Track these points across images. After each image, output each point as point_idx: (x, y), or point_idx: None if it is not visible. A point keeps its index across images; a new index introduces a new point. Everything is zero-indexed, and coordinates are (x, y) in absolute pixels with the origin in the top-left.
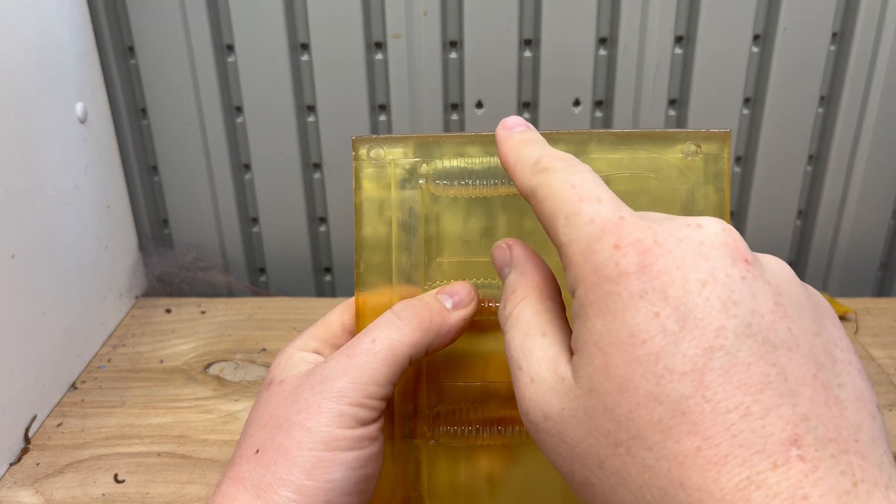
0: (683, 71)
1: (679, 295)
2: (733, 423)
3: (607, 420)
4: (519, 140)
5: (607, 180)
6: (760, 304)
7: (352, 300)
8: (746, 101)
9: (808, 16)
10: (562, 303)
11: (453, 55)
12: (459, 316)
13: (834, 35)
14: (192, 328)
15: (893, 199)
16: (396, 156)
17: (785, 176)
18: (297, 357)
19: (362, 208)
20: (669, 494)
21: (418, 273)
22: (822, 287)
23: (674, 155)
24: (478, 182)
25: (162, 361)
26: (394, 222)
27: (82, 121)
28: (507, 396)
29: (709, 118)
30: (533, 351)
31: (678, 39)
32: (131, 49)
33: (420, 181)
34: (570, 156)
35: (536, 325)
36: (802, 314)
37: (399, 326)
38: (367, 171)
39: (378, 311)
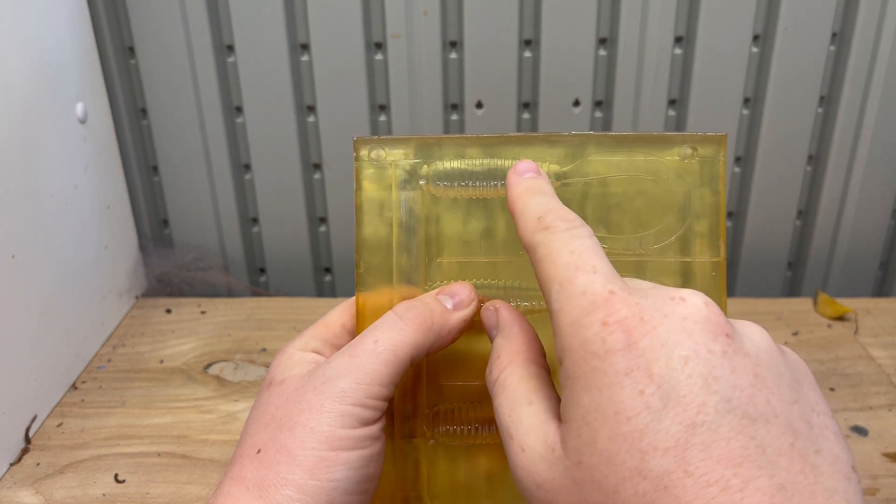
0: (683, 71)
1: (663, 372)
2: (713, 497)
3: (595, 492)
4: (526, 188)
5: (606, 182)
6: (740, 378)
7: (352, 300)
8: (746, 101)
9: (808, 16)
10: (547, 367)
11: (453, 55)
12: (460, 317)
13: (834, 35)
14: (192, 328)
15: (893, 199)
16: (397, 157)
17: (785, 176)
18: (298, 357)
19: (363, 209)
20: None
21: (418, 274)
22: (823, 287)
23: (670, 158)
24: (478, 183)
25: (162, 361)
26: (394, 223)
27: (82, 121)
28: None
29: (708, 118)
30: (521, 420)
31: (678, 39)
32: (131, 49)
33: (420, 182)
34: (573, 215)
35: (523, 392)
36: (781, 383)
37: (401, 327)
38: (368, 172)
39: (378, 312)
